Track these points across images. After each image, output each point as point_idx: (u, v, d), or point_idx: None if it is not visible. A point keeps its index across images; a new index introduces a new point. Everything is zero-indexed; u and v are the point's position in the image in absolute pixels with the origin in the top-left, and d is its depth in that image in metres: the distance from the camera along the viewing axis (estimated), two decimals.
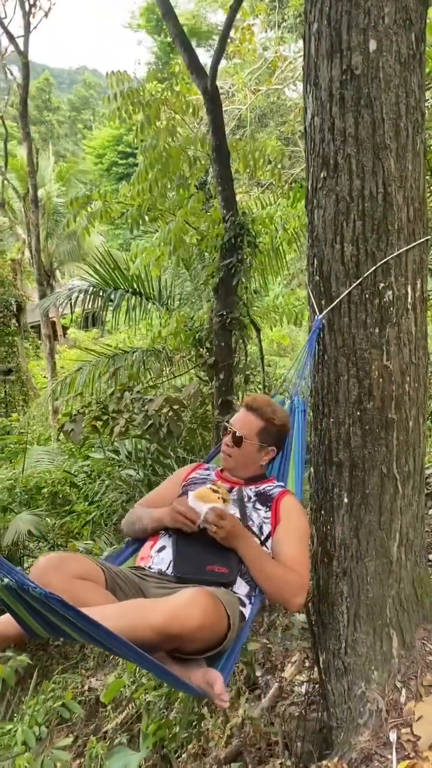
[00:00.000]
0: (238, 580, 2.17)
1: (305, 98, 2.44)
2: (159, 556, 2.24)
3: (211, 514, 2.14)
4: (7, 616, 1.75)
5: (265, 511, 2.33)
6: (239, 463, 2.45)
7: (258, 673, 3.53)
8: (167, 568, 2.18)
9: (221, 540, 2.15)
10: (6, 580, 1.48)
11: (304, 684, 3.17)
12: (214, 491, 2.30)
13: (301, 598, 2.16)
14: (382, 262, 2.27)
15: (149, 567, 2.23)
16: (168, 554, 2.22)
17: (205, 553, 2.17)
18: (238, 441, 2.43)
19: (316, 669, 2.79)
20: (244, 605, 2.15)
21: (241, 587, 2.18)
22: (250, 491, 2.41)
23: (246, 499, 2.36)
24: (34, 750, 3.03)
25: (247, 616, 2.15)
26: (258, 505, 2.35)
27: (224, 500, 2.28)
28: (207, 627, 1.80)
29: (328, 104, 2.31)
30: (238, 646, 2.11)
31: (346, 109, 2.27)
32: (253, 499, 2.38)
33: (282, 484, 2.53)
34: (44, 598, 1.49)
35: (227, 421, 2.54)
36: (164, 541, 2.29)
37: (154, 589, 2.08)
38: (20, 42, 10.65)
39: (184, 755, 2.97)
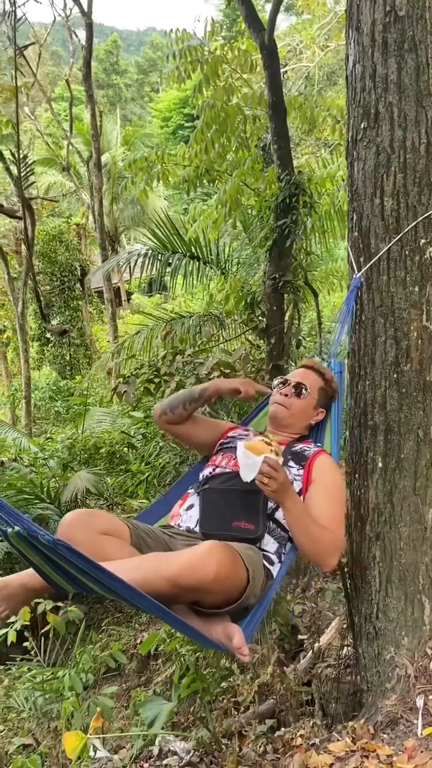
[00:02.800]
0: (266, 537, 2.15)
1: (347, 45, 2.34)
2: (187, 514, 2.26)
3: (266, 466, 2.03)
4: (32, 570, 1.81)
5: (298, 469, 2.28)
6: (294, 416, 2.41)
7: (302, 636, 3.55)
8: (195, 526, 2.19)
9: (271, 493, 2.05)
10: (17, 528, 1.52)
11: (342, 647, 3.18)
12: (267, 443, 2.20)
13: (334, 558, 2.12)
14: (424, 216, 2.17)
15: (178, 525, 2.25)
16: (196, 512, 2.23)
17: (231, 509, 2.16)
18: (300, 391, 2.41)
19: (351, 633, 2.79)
20: (272, 563, 2.13)
21: (270, 544, 2.16)
22: (288, 449, 2.37)
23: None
24: (82, 695, 3.16)
25: (275, 574, 2.14)
26: (291, 463, 2.31)
27: (276, 453, 2.17)
28: (222, 579, 1.78)
29: (369, 49, 2.20)
30: (263, 604, 2.10)
31: (389, 54, 2.16)
32: (288, 457, 2.34)
33: (319, 444, 2.48)
34: (52, 545, 1.51)
35: (282, 378, 2.52)
36: (192, 499, 2.30)
37: (182, 547, 2.09)
38: (84, 3, 10.61)
39: (218, 710, 3.03)
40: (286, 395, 2.42)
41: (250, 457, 2.06)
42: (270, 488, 2.02)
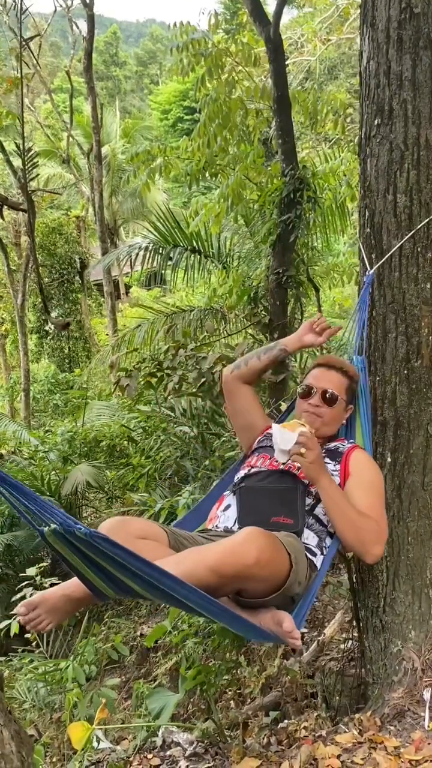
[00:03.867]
0: (306, 531, 2.12)
1: (361, 41, 2.34)
2: (225, 514, 2.23)
3: (302, 437, 2.03)
4: (75, 579, 1.78)
5: (334, 465, 2.24)
6: (328, 424, 2.34)
7: (303, 630, 3.57)
8: (233, 525, 2.17)
9: (307, 465, 2.04)
10: (53, 525, 1.49)
11: (346, 641, 3.20)
12: (300, 424, 2.17)
13: (379, 547, 2.08)
14: None
15: (216, 526, 2.23)
16: (233, 512, 2.21)
17: (269, 505, 2.14)
18: (332, 400, 2.32)
19: (356, 626, 2.81)
20: (314, 554, 2.10)
21: (310, 538, 2.13)
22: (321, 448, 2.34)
23: None
24: (84, 687, 3.18)
25: (318, 565, 2.11)
26: (327, 460, 2.25)
27: (310, 431, 2.15)
28: (264, 563, 1.76)
29: (384, 46, 2.21)
30: (311, 594, 2.07)
31: (404, 51, 2.16)
32: (323, 455, 2.27)
33: (352, 441, 2.43)
34: (89, 537, 1.48)
35: (303, 382, 2.44)
36: (229, 500, 2.28)
37: None
38: None
39: (222, 701, 3.05)
40: (318, 406, 2.32)
41: (285, 433, 2.06)
42: (307, 459, 2.02)
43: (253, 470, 2.30)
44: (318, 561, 2.11)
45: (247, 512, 2.15)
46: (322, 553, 2.13)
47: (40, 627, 1.91)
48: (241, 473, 2.35)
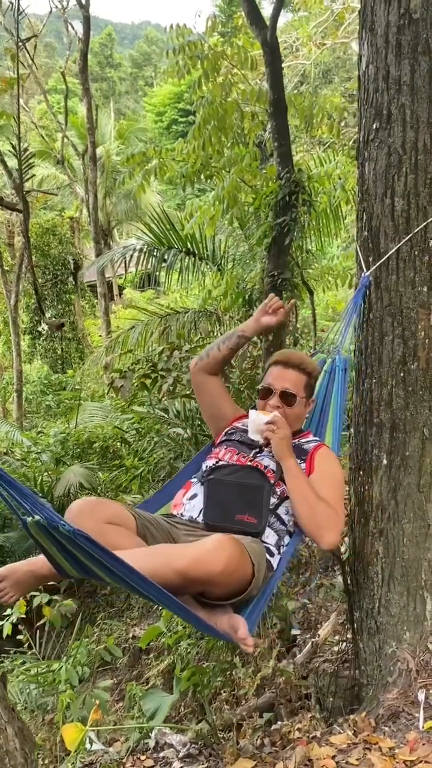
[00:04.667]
0: (267, 530, 2.19)
1: (360, 46, 2.36)
2: (190, 503, 2.28)
3: (275, 418, 2.21)
4: (40, 556, 1.83)
5: (300, 462, 2.30)
6: (289, 422, 2.37)
7: (297, 631, 3.58)
8: (198, 516, 2.22)
9: (276, 442, 2.19)
10: (37, 517, 1.53)
11: (339, 643, 3.21)
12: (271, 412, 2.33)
13: (334, 535, 2.15)
14: None
15: (181, 514, 2.27)
16: (199, 502, 2.25)
17: (235, 502, 2.19)
18: (291, 400, 2.37)
19: (350, 628, 2.82)
20: (272, 555, 2.17)
21: (270, 537, 2.20)
22: None
23: None
24: (77, 688, 3.17)
25: (275, 565, 2.18)
26: None
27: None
28: (230, 573, 1.82)
29: (383, 51, 2.22)
30: (265, 595, 2.13)
31: (402, 56, 2.18)
32: None
33: (318, 438, 2.50)
34: (72, 535, 1.53)
35: (262, 381, 2.48)
36: (196, 489, 2.32)
37: (185, 537, 2.13)
38: None
39: (216, 702, 3.05)
40: (277, 407, 2.36)
41: (260, 417, 2.26)
42: (278, 435, 2.18)
43: (221, 463, 2.34)
44: (275, 561, 2.18)
45: (212, 506, 2.21)
46: (279, 552, 2.20)
47: (4, 599, 2.01)
48: (210, 462, 2.39)
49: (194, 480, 2.37)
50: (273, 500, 2.24)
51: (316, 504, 2.15)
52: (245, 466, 2.29)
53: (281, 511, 2.24)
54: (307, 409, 2.48)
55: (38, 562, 1.99)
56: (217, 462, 2.36)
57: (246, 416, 2.57)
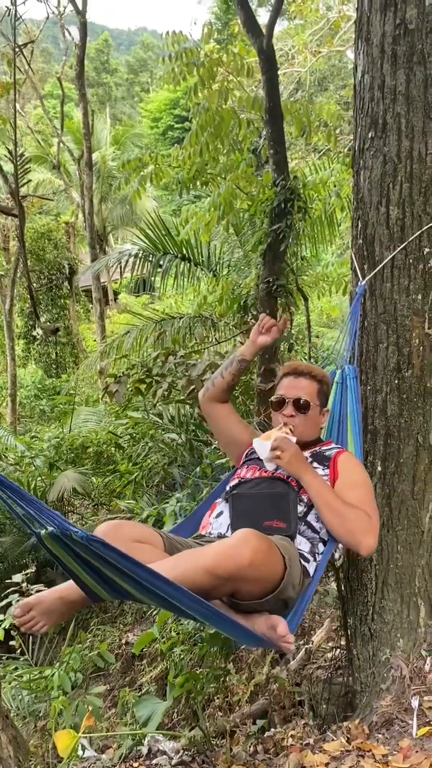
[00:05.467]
0: (298, 537, 2.14)
1: (356, 55, 2.37)
2: (218, 521, 2.25)
3: (275, 441, 2.15)
4: (70, 582, 1.79)
5: (323, 469, 2.26)
6: (304, 431, 2.35)
7: None
8: (226, 531, 2.18)
9: (285, 465, 2.13)
10: (50, 528, 1.50)
11: (333, 649, 3.21)
12: (278, 429, 2.29)
13: (371, 538, 2.09)
14: (429, 226, 2.21)
15: (209, 533, 2.24)
16: (226, 518, 2.22)
17: (261, 511, 2.15)
18: (304, 407, 2.34)
19: (344, 635, 2.82)
20: (307, 561, 2.11)
21: (303, 544, 2.14)
22: (306, 453, 2.33)
23: None
24: (70, 695, 3.16)
25: (311, 572, 2.12)
26: (315, 464, 2.28)
27: (287, 432, 2.26)
28: (258, 564, 1.77)
29: (379, 61, 2.24)
30: (304, 600, 2.09)
31: (398, 66, 2.20)
32: (310, 459, 2.30)
33: (339, 446, 2.45)
34: (86, 541, 1.49)
35: (275, 396, 2.45)
36: (221, 507, 2.29)
37: None
38: (78, 1, 10.59)
39: (209, 709, 3.05)
40: (292, 416, 2.34)
41: (263, 445, 2.19)
42: (283, 459, 2.12)
43: (243, 480, 2.32)
44: (311, 568, 2.12)
45: (239, 518, 2.16)
46: (314, 560, 2.14)
47: (35, 629, 1.91)
48: (233, 483, 2.36)
49: (219, 500, 2.34)
50: (300, 508, 2.19)
51: (346, 512, 2.09)
52: (268, 478, 2.25)
53: (311, 518, 2.19)
54: (323, 417, 2.43)
55: (65, 587, 1.92)
56: (240, 480, 2.33)
57: None
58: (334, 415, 2.58)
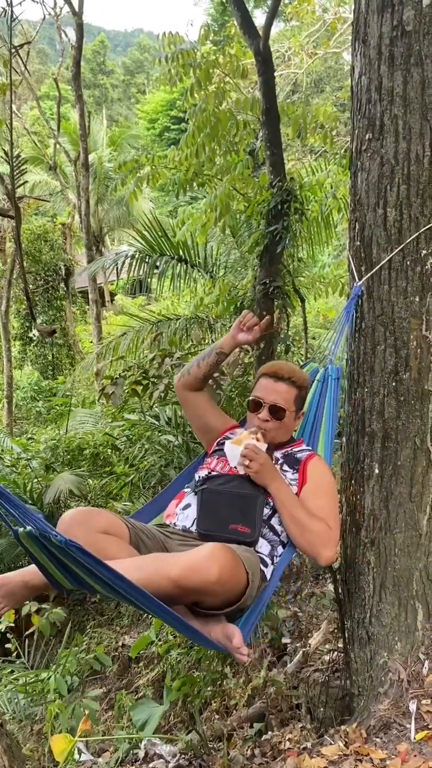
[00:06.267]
0: (260, 540, 2.19)
1: (353, 57, 2.37)
2: (184, 513, 2.28)
3: (246, 450, 2.20)
4: (32, 566, 1.81)
5: (292, 473, 2.32)
6: (278, 434, 2.40)
7: (287, 640, 3.57)
8: (191, 525, 2.22)
9: (254, 475, 2.19)
10: (29, 527, 1.52)
11: (330, 652, 3.20)
12: (250, 433, 2.33)
13: (330, 550, 2.16)
14: (426, 228, 2.20)
15: (174, 524, 2.27)
16: (192, 512, 2.25)
17: (229, 511, 2.19)
18: (281, 415, 2.36)
19: (341, 638, 2.81)
20: (266, 565, 2.17)
21: (263, 547, 2.19)
22: (278, 453, 2.40)
23: (273, 462, 2.34)
24: (66, 698, 3.15)
25: (268, 576, 2.17)
26: (285, 467, 2.34)
27: (258, 440, 2.29)
28: (224, 581, 1.81)
29: (376, 62, 2.23)
30: (259, 605, 2.13)
31: (395, 68, 2.19)
32: (281, 461, 2.37)
33: (310, 448, 2.51)
34: (64, 545, 1.52)
35: (252, 392, 2.46)
36: (189, 499, 2.32)
37: (178, 546, 2.12)
38: (75, 2, 10.57)
39: (206, 712, 3.03)
40: (267, 420, 2.36)
41: (234, 449, 2.26)
42: (252, 469, 2.18)
43: (214, 473, 2.34)
44: (268, 572, 2.18)
45: (206, 515, 2.20)
46: (272, 563, 2.20)
47: None
48: (203, 473, 2.38)
49: (187, 490, 2.37)
50: (266, 510, 2.24)
51: (309, 523, 2.16)
52: (238, 476, 2.28)
53: (274, 521, 2.24)
54: (297, 422, 2.49)
55: (30, 572, 1.98)
56: (209, 472, 2.36)
57: (237, 426, 2.57)
58: (310, 414, 2.61)
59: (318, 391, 2.64)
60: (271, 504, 2.24)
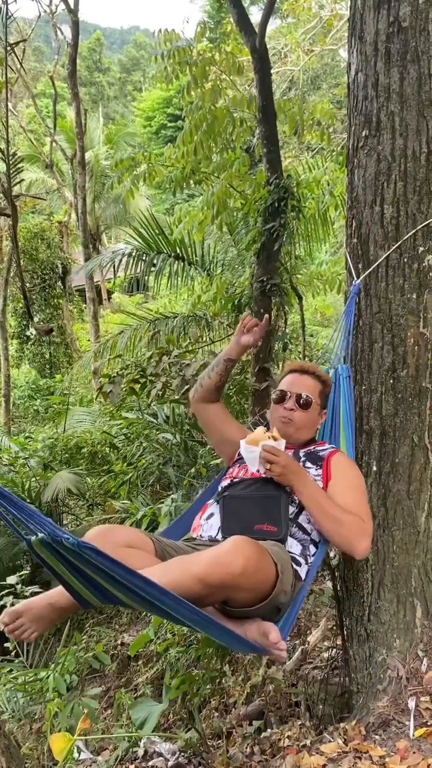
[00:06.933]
0: (290, 540, 2.13)
1: (349, 53, 2.36)
2: (208, 523, 2.23)
3: (264, 453, 2.08)
4: (59, 588, 1.77)
5: (316, 469, 2.25)
6: (301, 427, 2.35)
7: (286, 638, 3.56)
8: (217, 534, 2.16)
9: (277, 477, 2.09)
10: (41, 535, 1.48)
11: (329, 649, 3.20)
12: (265, 431, 2.20)
13: (366, 542, 2.09)
14: (423, 225, 2.20)
15: (200, 536, 2.22)
16: (216, 520, 2.20)
17: (252, 513, 2.13)
18: (307, 404, 2.33)
19: (340, 635, 2.81)
20: (299, 564, 2.10)
21: (294, 546, 2.13)
22: (301, 453, 2.35)
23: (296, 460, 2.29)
24: (65, 697, 3.15)
25: (303, 575, 2.11)
26: (308, 464, 2.28)
27: (275, 438, 2.17)
28: (250, 572, 1.76)
29: (372, 59, 2.23)
30: (296, 605, 2.08)
31: (392, 64, 2.19)
32: (303, 459, 2.31)
33: (333, 445, 2.45)
34: (77, 548, 1.47)
35: (276, 388, 2.45)
36: (212, 509, 2.27)
37: None
38: (70, 0, 10.55)
39: (206, 710, 3.03)
40: (292, 409, 2.33)
41: (250, 451, 2.12)
42: (275, 472, 2.07)
43: (235, 480, 2.30)
44: (302, 571, 2.11)
45: (230, 520, 2.15)
46: (306, 563, 2.13)
47: (24, 636, 1.89)
48: (224, 483, 2.35)
49: (210, 501, 2.32)
50: (292, 509, 2.18)
51: (342, 517, 2.09)
52: (260, 479, 2.23)
53: (302, 519, 2.18)
54: (321, 419, 2.44)
55: (56, 594, 1.91)
56: (231, 480, 2.32)
57: None
58: (328, 415, 2.58)
59: (332, 393, 2.61)
60: (297, 502, 2.18)
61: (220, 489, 2.34)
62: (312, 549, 2.17)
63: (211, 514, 2.26)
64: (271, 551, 1.93)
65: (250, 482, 2.24)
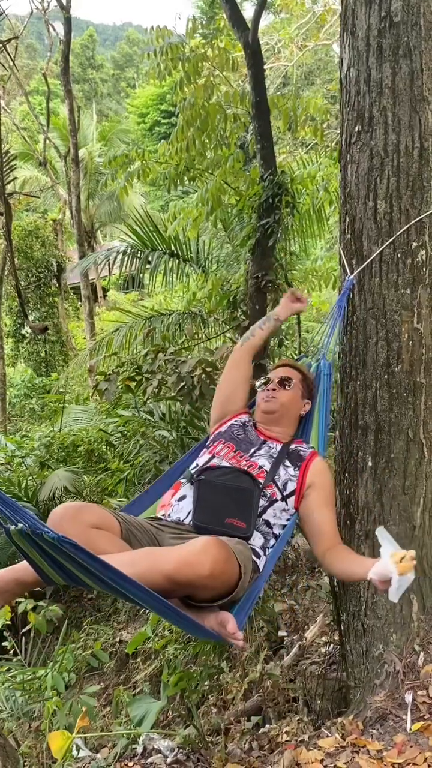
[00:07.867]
0: (254, 532, 2.19)
1: (342, 49, 2.36)
2: (179, 505, 2.27)
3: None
4: (24, 563, 1.81)
5: (294, 470, 2.32)
6: (284, 406, 2.46)
7: (283, 633, 3.58)
8: (185, 518, 2.21)
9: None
10: (20, 525, 1.52)
11: (327, 645, 3.21)
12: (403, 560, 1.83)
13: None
14: (416, 220, 2.20)
15: (168, 515, 2.26)
16: (188, 504, 2.24)
17: (225, 505, 2.18)
18: (287, 380, 2.49)
19: (337, 630, 2.82)
20: (258, 556, 2.17)
21: (256, 539, 2.19)
22: (288, 449, 2.41)
23: (279, 459, 2.35)
24: (64, 695, 3.15)
25: (261, 567, 2.17)
26: (287, 463, 2.34)
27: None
28: (217, 575, 1.81)
29: (364, 54, 2.23)
30: (252, 596, 2.12)
31: (384, 59, 2.18)
32: (285, 457, 2.37)
33: (312, 445, 2.51)
34: (57, 542, 1.52)
35: (264, 377, 2.58)
36: (185, 490, 2.30)
37: (170, 539, 2.11)
38: None
39: (204, 707, 3.04)
40: (274, 389, 2.48)
41: (402, 579, 1.81)
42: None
43: (213, 461, 2.35)
44: (261, 563, 2.18)
45: (202, 508, 2.20)
46: (265, 554, 2.20)
47: None
48: (203, 459, 2.39)
49: (183, 481, 2.35)
50: (262, 502, 2.23)
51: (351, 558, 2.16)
52: (237, 469, 2.28)
53: (269, 514, 2.24)
54: (304, 408, 2.55)
55: (22, 569, 1.96)
56: (210, 459, 2.36)
57: (245, 413, 2.55)
58: None
59: None
60: (267, 495, 2.24)
61: (195, 466, 2.37)
62: (272, 541, 2.25)
63: (183, 496, 2.29)
64: (236, 551, 1.98)
65: (227, 470, 2.29)
